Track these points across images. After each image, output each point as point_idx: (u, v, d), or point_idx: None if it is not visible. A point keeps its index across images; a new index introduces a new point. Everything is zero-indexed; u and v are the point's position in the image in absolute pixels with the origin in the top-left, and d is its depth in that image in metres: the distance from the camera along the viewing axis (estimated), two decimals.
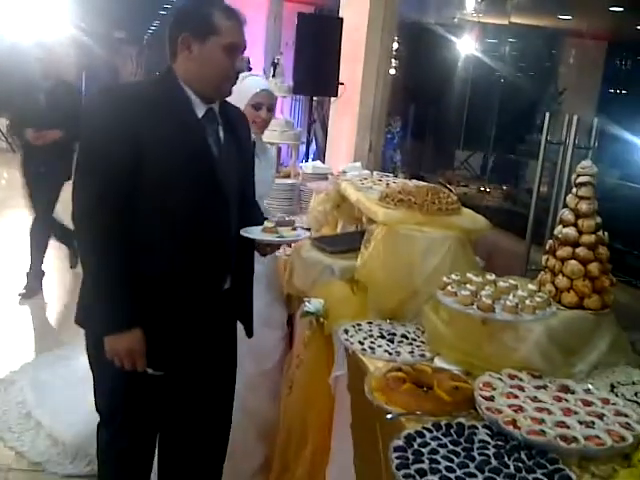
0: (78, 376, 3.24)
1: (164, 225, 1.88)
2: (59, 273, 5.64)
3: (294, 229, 2.15)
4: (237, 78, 1.97)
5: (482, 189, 6.42)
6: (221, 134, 1.99)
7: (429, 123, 10.39)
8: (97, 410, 2.15)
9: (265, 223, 2.08)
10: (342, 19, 5.32)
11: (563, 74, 10.56)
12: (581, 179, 2.04)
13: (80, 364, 3.24)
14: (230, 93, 1.99)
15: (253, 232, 2.04)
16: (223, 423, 2.31)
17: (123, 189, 1.80)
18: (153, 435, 2.19)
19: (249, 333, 2.27)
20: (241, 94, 2.51)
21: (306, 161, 5.05)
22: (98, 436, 2.19)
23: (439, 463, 1.49)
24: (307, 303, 2.45)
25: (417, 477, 1.43)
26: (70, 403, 3.34)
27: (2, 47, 8.94)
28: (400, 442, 1.57)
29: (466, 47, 10.32)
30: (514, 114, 9.31)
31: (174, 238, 1.90)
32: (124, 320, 1.86)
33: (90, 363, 2.08)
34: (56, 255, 5.67)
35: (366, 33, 5.76)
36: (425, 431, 1.63)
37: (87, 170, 1.85)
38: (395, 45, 9.33)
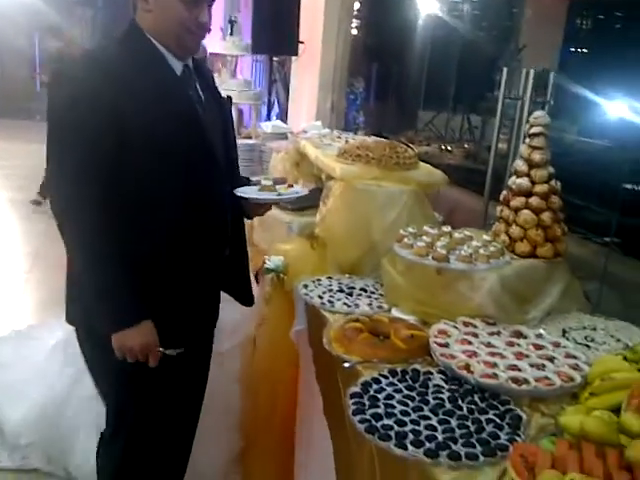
0: (39, 359, 3.10)
1: (158, 196, 1.70)
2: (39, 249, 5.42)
3: (290, 186, 2.07)
4: (203, 31, 1.75)
5: (444, 148, 6.44)
6: (200, 92, 1.83)
7: (391, 83, 10.34)
8: (106, 422, 1.95)
9: (262, 181, 2.00)
10: None
11: (524, 32, 10.58)
12: (534, 129, 2.06)
13: (46, 346, 3.13)
14: (196, 48, 1.80)
15: (250, 192, 1.94)
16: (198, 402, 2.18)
17: (107, 163, 1.60)
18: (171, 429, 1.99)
19: (249, 301, 2.16)
20: None
21: (268, 121, 5.00)
22: (106, 453, 1.98)
23: (394, 407, 1.53)
24: (267, 260, 2.45)
25: (373, 421, 1.46)
26: (24, 387, 3.02)
27: None
28: (356, 389, 1.60)
29: (427, 6, 10.24)
30: (475, 72, 9.33)
31: (171, 209, 1.72)
32: (133, 313, 1.67)
33: (90, 368, 1.91)
34: (29, 229, 5.53)
35: None
36: (381, 378, 1.66)
37: (63, 149, 1.61)
38: (356, 5, 9.23)
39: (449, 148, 6.68)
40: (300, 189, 2.10)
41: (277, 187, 1.99)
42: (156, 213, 1.69)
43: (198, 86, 1.83)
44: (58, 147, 1.62)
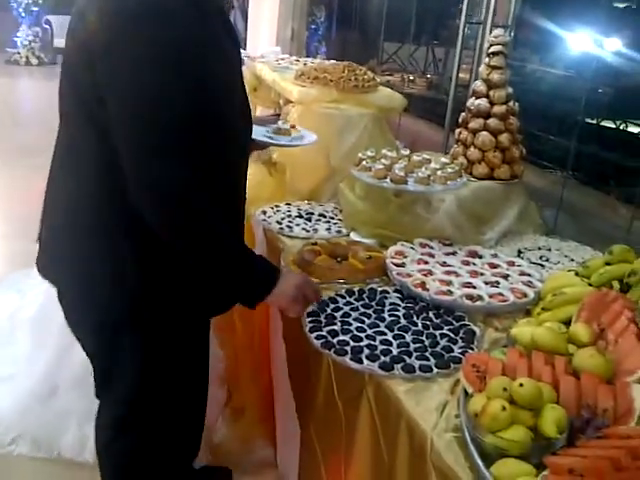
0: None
1: (228, 184, 1.46)
2: None
3: (293, 127, 1.98)
4: None
5: (406, 77, 6.36)
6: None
7: (354, 13, 10.09)
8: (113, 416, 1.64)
9: (280, 124, 1.88)
10: None
11: None
12: (493, 48, 2.03)
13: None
14: None
15: (265, 134, 1.81)
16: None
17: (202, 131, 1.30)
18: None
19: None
20: None
21: None
22: (116, 446, 1.65)
23: (351, 325, 1.54)
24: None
25: (329, 337, 1.48)
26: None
27: None
28: (314, 307, 1.60)
29: None
30: (437, 2, 9.15)
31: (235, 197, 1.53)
32: (272, 267, 1.50)
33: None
34: None
35: None
36: (338, 297, 1.67)
37: (161, 138, 1.25)
38: None
39: (411, 78, 6.60)
40: (308, 135, 1.98)
41: (291, 129, 1.90)
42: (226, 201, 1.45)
43: None
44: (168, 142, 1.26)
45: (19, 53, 10.42)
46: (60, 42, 9.69)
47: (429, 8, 9.29)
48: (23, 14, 10.35)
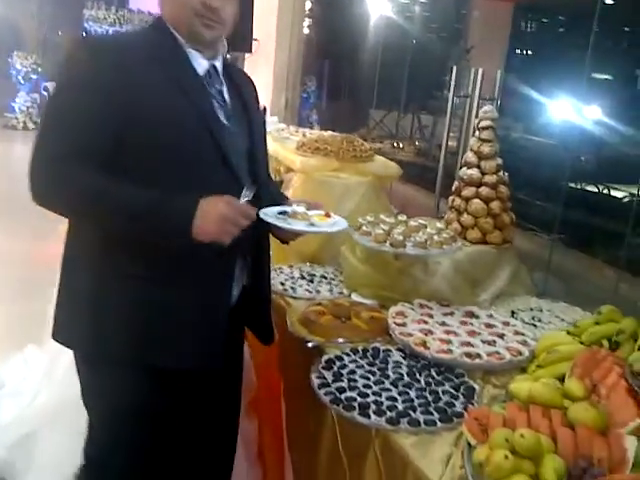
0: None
1: None
2: None
3: (327, 215, 1.70)
4: (216, 17, 1.51)
5: (395, 145, 6.60)
6: (226, 96, 1.59)
7: (344, 82, 10.50)
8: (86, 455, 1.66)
9: (294, 207, 1.65)
10: None
11: (472, 34, 10.88)
12: (483, 123, 2.19)
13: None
14: (209, 38, 1.53)
15: (278, 218, 1.59)
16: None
17: (102, 159, 1.40)
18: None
19: (268, 337, 1.80)
20: None
21: None
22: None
23: (357, 382, 1.62)
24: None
25: (337, 394, 1.55)
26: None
27: None
28: (321, 366, 1.68)
29: (379, 7, 10.42)
30: (425, 72, 9.57)
31: None
32: (189, 200, 1.40)
33: (83, 394, 1.62)
34: None
35: None
36: (344, 355, 1.75)
37: (52, 126, 1.42)
38: (308, 4, 9.34)
39: (400, 145, 6.85)
40: (340, 220, 1.70)
41: (310, 213, 1.65)
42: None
43: (225, 90, 1.60)
44: (48, 129, 1.42)
45: (17, 118, 10.67)
46: None
47: (415, 78, 9.69)
48: (22, 81, 10.67)
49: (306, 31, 9.30)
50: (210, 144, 1.48)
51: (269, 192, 1.71)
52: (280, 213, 1.60)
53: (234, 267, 1.60)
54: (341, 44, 10.22)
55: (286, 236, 1.72)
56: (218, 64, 1.59)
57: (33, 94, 10.76)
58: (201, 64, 1.54)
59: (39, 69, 10.64)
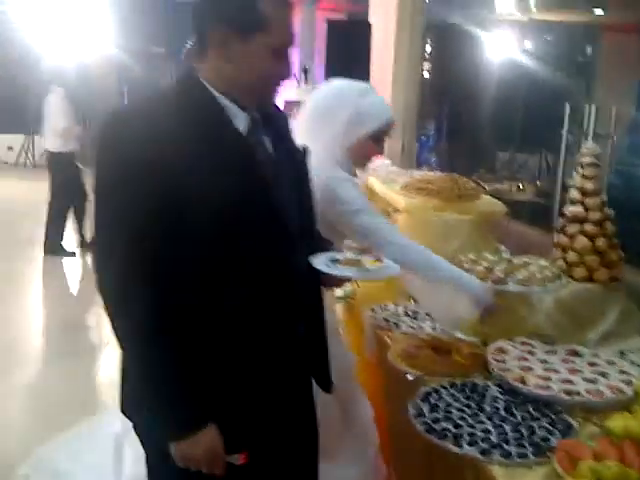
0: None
1: (215, 272, 1.43)
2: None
3: (379, 260, 1.66)
4: (281, 80, 1.49)
5: (517, 185, 6.53)
6: (269, 147, 1.52)
7: (463, 124, 10.47)
8: None
9: (345, 253, 1.64)
10: (370, 24, 5.51)
11: (598, 67, 10.55)
12: (586, 160, 2.19)
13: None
14: (272, 101, 1.55)
15: (330, 265, 1.57)
16: None
17: (159, 234, 1.36)
18: None
19: (327, 386, 1.71)
20: (361, 119, 1.99)
21: None
22: None
23: (452, 413, 1.67)
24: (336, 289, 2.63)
25: (432, 424, 1.61)
26: None
27: (46, 67, 9.37)
28: (418, 398, 1.75)
29: (498, 46, 10.39)
30: (547, 110, 9.35)
31: (232, 284, 1.44)
32: (194, 419, 1.40)
33: (148, 464, 1.59)
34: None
35: (395, 35, 5.96)
36: (441, 389, 1.81)
37: (109, 224, 1.38)
38: (428, 48, 9.51)
39: (521, 186, 6.75)
40: (392, 265, 1.66)
41: (362, 259, 1.63)
42: (216, 291, 1.43)
43: (267, 139, 1.53)
44: (105, 218, 1.40)
45: None
46: None
47: (538, 117, 9.50)
48: None
49: (426, 74, 9.46)
50: (257, 197, 1.44)
51: (318, 236, 1.70)
52: (331, 259, 1.59)
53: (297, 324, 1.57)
54: (460, 85, 10.25)
55: (335, 282, 1.69)
56: (256, 113, 1.50)
57: None
58: (241, 118, 1.45)
59: None
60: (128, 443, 2.60)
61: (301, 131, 1.84)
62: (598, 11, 9.26)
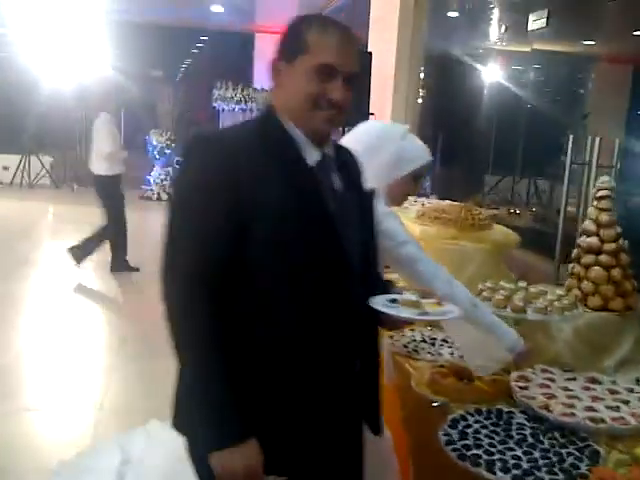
0: None
1: (276, 302, 1.46)
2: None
3: (439, 303, 1.66)
4: (335, 110, 1.49)
5: (512, 211, 6.62)
6: (336, 184, 1.56)
7: (457, 150, 10.64)
8: None
9: (406, 295, 1.64)
10: (371, 53, 5.61)
11: (590, 97, 10.77)
12: (600, 193, 2.27)
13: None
14: (327, 130, 1.53)
15: (390, 306, 1.57)
16: None
17: (224, 258, 1.42)
18: None
19: (377, 428, 1.70)
20: (403, 160, 2.12)
21: None
22: None
23: (482, 440, 1.71)
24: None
25: (463, 451, 1.65)
26: None
27: (46, 91, 9.47)
28: (447, 425, 1.79)
29: (491, 75, 10.60)
30: (541, 138, 9.53)
31: (292, 316, 1.47)
32: (238, 429, 1.42)
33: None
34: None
35: (395, 65, 6.10)
36: (468, 415, 1.85)
37: (180, 237, 1.44)
38: (422, 75, 9.67)
39: (517, 211, 6.86)
40: (453, 309, 1.65)
41: (422, 301, 1.62)
42: (273, 320, 1.47)
43: (336, 176, 1.57)
44: (177, 230, 1.46)
45: (152, 190, 11.62)
46: None
47: (530, 144, 9.67)
48: (157, 156, 11.66)
49: (420, 100, 9.61)
50: (322, 234, 1.49)
51: (377, 276, 1.73)
52: (390, 300, 1.59)
53: (354, 359, 1.60)
54: (455, 111, 10.43)
55: (394, 324, 1.70)
56: (329, 150, 1.56)
57: (167, 168, 11.70)
58: (312, 154, 1.51)
59: (172, 145, 11.60)
60: (130, 474, 2.56)
61: None
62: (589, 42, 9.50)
